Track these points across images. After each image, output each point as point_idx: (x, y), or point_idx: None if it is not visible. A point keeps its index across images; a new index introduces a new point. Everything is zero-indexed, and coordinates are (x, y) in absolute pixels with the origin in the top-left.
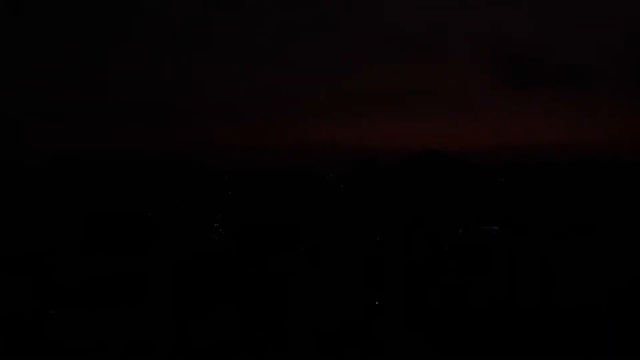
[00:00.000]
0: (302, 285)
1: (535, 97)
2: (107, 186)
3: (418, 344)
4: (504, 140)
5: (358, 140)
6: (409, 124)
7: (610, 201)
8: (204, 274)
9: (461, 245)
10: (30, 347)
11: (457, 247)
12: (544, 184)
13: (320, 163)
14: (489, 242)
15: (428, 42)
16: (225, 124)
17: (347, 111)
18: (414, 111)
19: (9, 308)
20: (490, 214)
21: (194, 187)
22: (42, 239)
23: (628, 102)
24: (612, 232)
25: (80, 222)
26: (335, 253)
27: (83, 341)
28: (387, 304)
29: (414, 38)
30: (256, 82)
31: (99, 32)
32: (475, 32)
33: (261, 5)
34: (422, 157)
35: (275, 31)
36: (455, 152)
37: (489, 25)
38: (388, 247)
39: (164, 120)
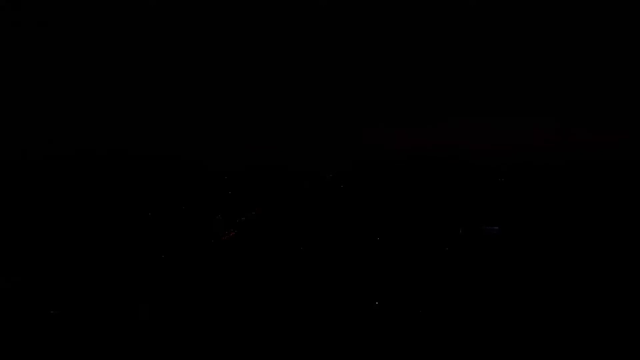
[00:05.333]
0: (302, 285)
1: None
2: (107, 185)
3: (418, 345)
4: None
5: (359, 140)
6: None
7: (611, 202)
8: (204, 273)
9: (461, 245)
10: (30, 347)
11: (457, 247)
12: (544, 184)
13: (320, 163)
14: (489, 241)
15: None
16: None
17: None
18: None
19: (9, 308)
20: (490, 214)
21: (194, 187)
22: (42, 239)
23: None
24: (612, 232)
25: (80, 222)
26: (335, 253)
27: (83, 341)
28: (387, 303)
29: None
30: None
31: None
32: None
33: None
34: (422, 157)
35: None
36: (456, 152)
37: None
38: (388, 247)
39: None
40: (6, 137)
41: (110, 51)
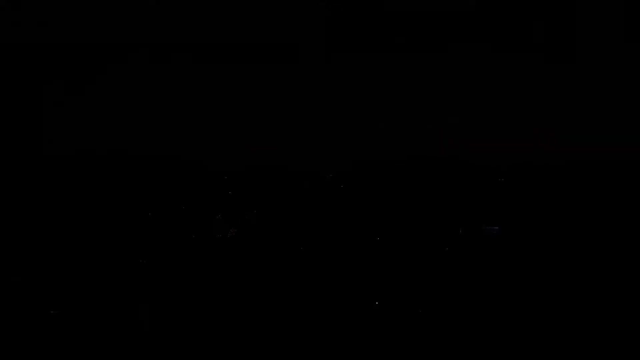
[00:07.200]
0: (302, 285)
1: None
2: (107, 185)
3: (418, 345)
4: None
5: (359, 140)
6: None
7: (611, 202)
8: (204, 273)
9: (461, 245)
10: (30, 347)
11: (458, 247)
12: (544, 184)
13: (320, 163)
14: (490, 241)
15: None
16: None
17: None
18: None
19: (9, 308)
20: (490, 214)
21: (194, 187)
22: (42, 239)
23: None
24: (612, 232)
25: (79, 222)
26: (335, 253)
27: (83, 341)
28: (387, 304)
29: None
30: None
31: None
32: None
33: None
34: (422, 157)
35: None
36: (456, 152)
37: None
38: (388, 247)
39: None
40: (6, 137)
41: (110, 51)
